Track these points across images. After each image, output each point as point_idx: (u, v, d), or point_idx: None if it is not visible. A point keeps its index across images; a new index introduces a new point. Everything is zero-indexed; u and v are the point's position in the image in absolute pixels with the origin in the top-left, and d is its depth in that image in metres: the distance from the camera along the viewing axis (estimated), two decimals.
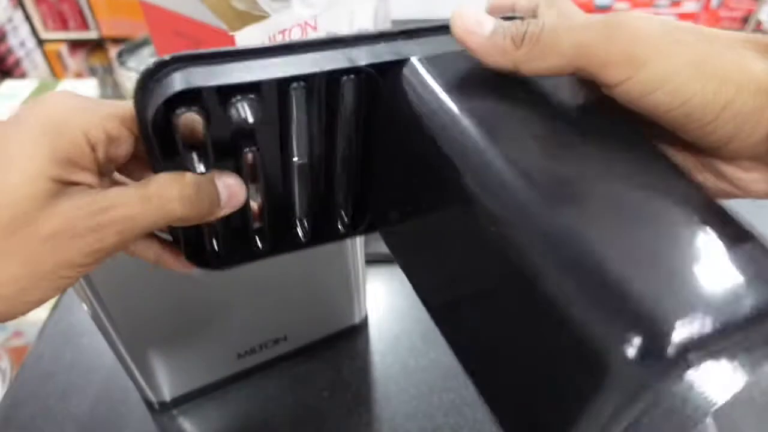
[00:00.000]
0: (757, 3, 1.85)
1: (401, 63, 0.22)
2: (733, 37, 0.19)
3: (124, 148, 0.22)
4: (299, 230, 0.28)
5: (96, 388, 0.47)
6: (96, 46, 1.97)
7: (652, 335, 0.14)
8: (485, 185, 0.19)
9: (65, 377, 0.48)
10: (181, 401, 0.46)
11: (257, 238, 0.27)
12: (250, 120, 0.21)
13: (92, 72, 2.01)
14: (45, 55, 1.93)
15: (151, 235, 0.26)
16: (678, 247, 0.16)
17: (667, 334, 0.14)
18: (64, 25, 1.90)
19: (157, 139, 0.21)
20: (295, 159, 0.25)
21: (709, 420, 0.43)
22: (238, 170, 0.24)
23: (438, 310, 0.25)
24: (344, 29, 0.60)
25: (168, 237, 0.26)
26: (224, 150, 0.23)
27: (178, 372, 0.44)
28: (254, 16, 0.50)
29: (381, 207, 0.28)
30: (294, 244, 0.28)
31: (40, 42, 1.92)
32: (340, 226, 0.29)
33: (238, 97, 0.21)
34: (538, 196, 0.18)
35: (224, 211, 0.23)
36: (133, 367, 0.40)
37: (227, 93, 0.21)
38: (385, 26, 0.68)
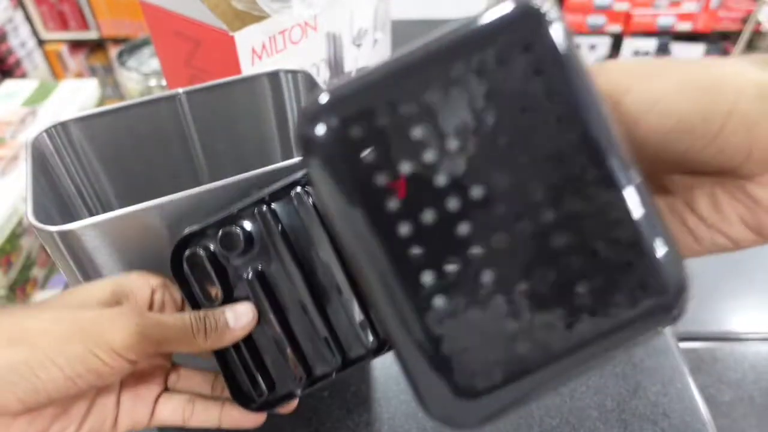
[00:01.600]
0: (757, 3, 1.85)
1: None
2: (725, 58, 0.19)
3: (176, 296, 0.30)
4: (329, 357, 0.30)
5: None
6: (96, 46, 1.98)
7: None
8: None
9: None
10: None
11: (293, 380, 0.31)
12: (228, 248, 0.29)
13: (92, 72, 2.02)
14: (45, 55, 1.94)
15: (210, 400, 0.31)
16: None
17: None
18: (64, 26, 1.90)
19: (180, 283, 0.30)
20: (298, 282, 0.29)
21: (708, 420, 0.43)
22: (259, 310, 0.30)
23: None
24: (344, 29, 0.60)
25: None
26: (234, 284, 0.30)
27: None
28: (254, 16, 0.50)
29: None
30: (327, 375, 0.31)
31: (41, 42, 1.93)
32: (364, 350, 0.30)
33: (221, 232, 0.29)
34: None
35: (237, 333, 0.29)
36: None
37: (209, 233, 0.29)
38: (386, 26, 0.67)
